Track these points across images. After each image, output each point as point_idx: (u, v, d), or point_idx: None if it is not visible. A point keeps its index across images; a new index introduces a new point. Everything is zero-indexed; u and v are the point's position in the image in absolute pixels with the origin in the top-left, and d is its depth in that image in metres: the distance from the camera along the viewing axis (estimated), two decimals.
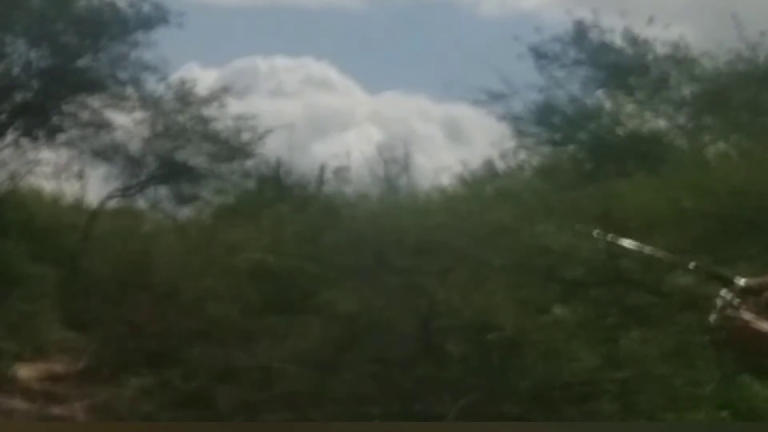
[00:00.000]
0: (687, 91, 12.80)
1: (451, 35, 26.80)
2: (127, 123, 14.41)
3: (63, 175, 14.61)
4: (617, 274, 6.32)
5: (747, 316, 3.06)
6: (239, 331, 8.05)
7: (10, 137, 13.87)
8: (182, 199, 15.08)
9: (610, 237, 3.94)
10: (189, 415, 7.04)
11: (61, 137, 14.24)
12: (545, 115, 13.36)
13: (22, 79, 13.79)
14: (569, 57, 13.36)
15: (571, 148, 13.12)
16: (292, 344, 7.34)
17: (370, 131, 21.64)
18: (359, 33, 28.35)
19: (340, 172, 13.48)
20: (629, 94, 12.86)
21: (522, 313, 6.04)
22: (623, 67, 12.99)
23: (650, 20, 12.74)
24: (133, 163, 14.63)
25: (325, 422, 6.05)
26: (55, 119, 14.09)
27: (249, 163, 15.08)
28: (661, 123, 12.75)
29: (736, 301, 3.07)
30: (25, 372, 8.93)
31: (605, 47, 13.23)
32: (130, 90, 14.21)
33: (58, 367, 9.36)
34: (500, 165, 13.17)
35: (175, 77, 14.65)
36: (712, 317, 2.92)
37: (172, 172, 14.70)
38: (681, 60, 12.83)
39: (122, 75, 14.13)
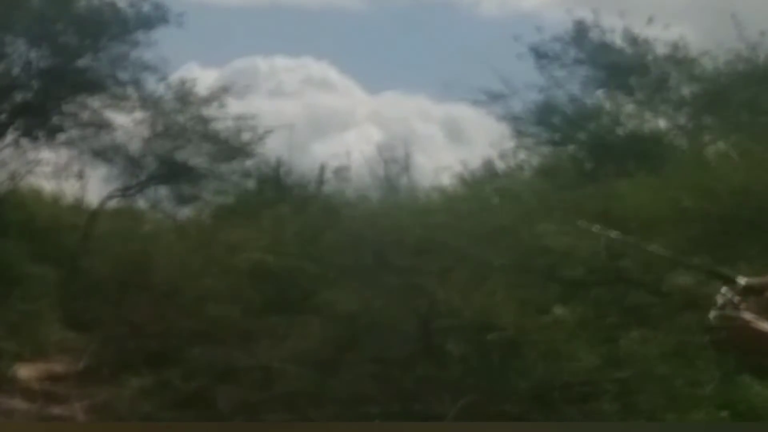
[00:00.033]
0: (687, 91, 12.81)
1: (451, 35, 26.79)
2: (127, 123, 14.41)
3: (63, 175, 14.62)
4: (617, 274, 6.32)
5: (748, 315, 3.06)
6: (239, 331, 8.05)
7: (10, 137, 13.88)
8: (182, 199, 15.08)
9: (613, 234, 3.94)
10: (189, 415, 7.04)
11: (61, 137, 14.24)
12: (545, 115, 13.37)
13: (22, 79, 13.79)
14: (569, 57, 13.37)
15: (571, 148, 13.12)
16: (292, 344, 7.34)
17: (370, 131, 21.65)
18: (359, 33, 28.38)
19: (340, 172, 13.48)
20: (629, 94, 12.87)
21: (522, 313, 6.04)
22: (623, 67, 12.99)
23: (650, 20, 12.75)
24: (133, 163, 14.63)
25: (325, 422, 6.05)
26: (55, 119, 14.09)
27: (249, 163, 15.09)
28: (661, 123, 12.75)
29: (737, 300, 3.07)
30: (25, 372, 8.92)
31: (605, 47, 13.23)
32: (130, 90, 14.22)
33: (58, 367, 9.36)
34: (500, 165, 13.18)
35: (175, 77, 14.67)
36: (712, 315, 2.92)
37: (172, 172, 14.70)
38: (681, 60, 12.84)
39: (122, 75, 14.14)
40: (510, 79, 13.00)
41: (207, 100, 14.58)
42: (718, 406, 4.91)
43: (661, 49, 12.93)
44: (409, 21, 28.39)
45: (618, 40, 13.16)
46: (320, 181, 14.58)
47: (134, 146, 14.57)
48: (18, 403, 8.04)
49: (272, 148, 15.05)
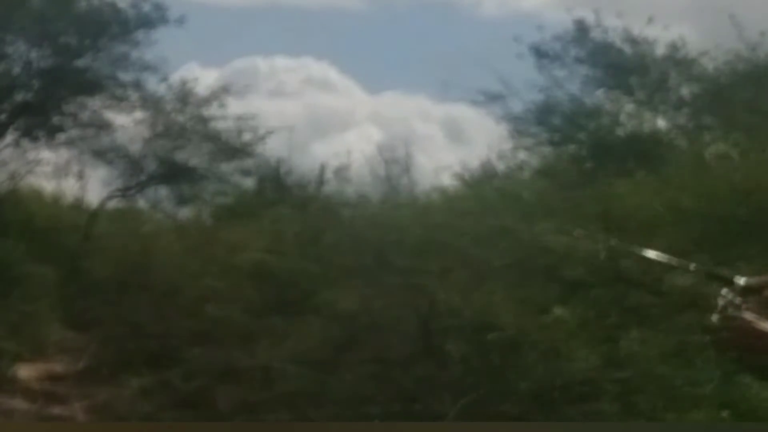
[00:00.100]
0: (687, 91, 12.83)
1: (451, 35, 26.80)
2: (127, 123, 14.44)
3: (63, 175, 14.63)
4: (617, 274, 6.32)
5: (749, 316, 3.08)
6: (239, 331, 8.04)
7: (10, 137, 13.89)
8: (182, 199, 15.10)
9: (612, 242, 3.95)
10: (189, 415, 7.03)
11: (61, 137, 14.26)
12: (545, 115, 13.39)
13: (23, 79, 13.80)
14: (569, 56, 13.38)
15: (571, 148, 13.14)
16: (292, 344, 7.33)
17: (371, 131, 21.66)
18: (359, 33, 28.37)
19: (340, 172, 13.49)
20: (629, 94, 12.88)
21: (522, 313, 6.03)
22: (623, 67, 13.00)
23: (650, 20, 12.76)
24: (133, 163, 14.65)
25: (325, 422, 6.05)
26: (55, 119, 14.10)
27: (249, 163, 15.11)
28: (661, 123, 12.77)
29: (738, 301, 3.09)
30: (25, 372, 8.92)
31: (605, 47, 13.24)
32: (130, 90, 14.23)
33: (58, 367, 9.36)
34: (500, 165, 13.20)
35: (175, 77, 14.69)
36: (714, 317, 2.94)
37: (172, 172, 14.72)
38: (681, 60, 12.86)
39: (122, 75, 14.16)
40: (510, 79, 13.04)
41: (207, 100, 14.60)
42: (718, 406, 4.91)
43: (661, 49, 12.95)
44: (409, 21, 28.41)
45: (618, 40, 13.17)
46: (320, 181, 14.59)
47: (134, 146, 14.60)
48: (18, 403, 8.03)
49: (272, 148, 15.09)
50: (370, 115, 25.99)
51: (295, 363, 6.99)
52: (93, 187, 15.00)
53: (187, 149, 14.75)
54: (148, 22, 13.89)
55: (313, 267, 8.43)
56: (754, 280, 3.31)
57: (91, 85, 13.95)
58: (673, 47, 12.87)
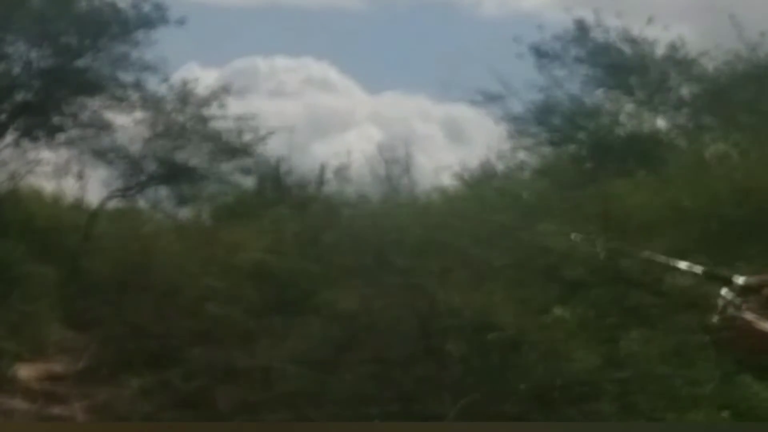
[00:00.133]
0: (687, 91, 12.82)
1: (451, 35, 26.81)
2: (127, 123, 14.44)
3: (63, 175, 14.63)
4: (617, 274, 6.32)
5: (749, 315, 3.07)
6: (239, 331, 8.04)
7: (10, 137, 13.89)
8: (182, 199, 15.10)
9: (611, 244, 3.94)
10: (189, 415, 7.03)
11: (61, 137, 14.25)
12: (545, 114, 13.39)
13: (23, 79, 13.80)
14: (569, 56, 13.38)
15: (571, 147, 13.14)
16: (292, 344, 7.33)
17: (371, 131, 21.67)
18: (359, 33, 28.35)
19: (341, 172, 13.49)
20: (629, 94, 12.88)
21: (522, 313, 6.03)
22: (623, 67, 13.01)
23: (650, 20, 12.76)
24: (133, 163, 14.64)
25: (325, 422, 6.05)
26: (55, 119, 14.10)
27: (249, 164, 15.10)
28: (661, 123, 12.77)
29: (738, 301, 3.09)
30: (25, 372, 8.92)
31: (605, 47, 13.24)
32: (130, 90, 14.23)
33: (58, 367, 9.36)
34: (500, 165, 13.20)
35: (176, 78, 14.69)
36: (714, 318, 2.94)
37: (172, 172, 14.72)
38: (680, 60, 12.86)
39: (122, 75, 14.16)
40: (510, 79, 13.04)
41: (207, 100, 14.60)
42: (718, 406, 4.91)
43: (660, 49, 12.95)
44: (409, 21, 28.42)
45: (618, 40, 13.17)
46: (320, 181, 14.59)
47: (134, 146, 14.60)
48: (18, 403, 8.03)
49: (272, 148, 15.08)
50: (370, 115, 26.01)
51: (295, 363, 6.99)
52: (93, 187, 15.02)
53: (187, 149, 14.75)
54: (148, 23, 13.90)
55: (313, 267, 8.43)
56: (754, 280, 3.31)
57: (91, 86, 13.95)
58: (673, 47, 12.87)
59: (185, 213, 15.20)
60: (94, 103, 14.17)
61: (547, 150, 13.49)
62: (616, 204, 7.65)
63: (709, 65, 12.55)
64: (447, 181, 12.33)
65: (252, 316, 8.21)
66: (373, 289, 7.18)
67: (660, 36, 12.92)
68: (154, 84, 14.38)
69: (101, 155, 14.50)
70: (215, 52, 28.47)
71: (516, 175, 12.73)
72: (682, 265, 4.68)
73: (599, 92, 13.36)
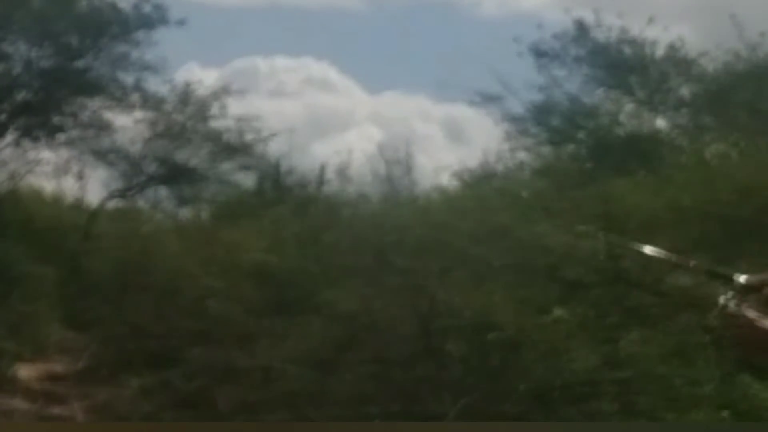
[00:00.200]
0: (687, 91, 12.83)
1: (451, 35, 26.84)
2: (127, 123, 14.44)
3: (63, 175, 14.63)
4: (617, 274, 6.32)
5: (751, 314, 3.08)
6: (239, 331, 8.04)
7: (10, 137, 13.88)
8: (182, 200, 15.10)
9: (613, 239, 3.94)
10: (189, 415, 7.03)
11: (62, 137, 14.25)
12: (545, 114, 13.39)
13: (23, 79, 13.80)
14: (569, 56, 13.39)
15: (570, 147, 13.15)
16: (292, 344, 7.33)
17: (371, 131, 21.70)
18: (359, 33, 28.39)
19: (341, 173, 13.49)
20: (629, 94, 12.88)
21: (522, 313, 6.03)
22: (623, 67, 13.02)
23: (650, 20, 12.77)
24: (133, 163, 14.64)
25: (325, 422, 6.05)
26: (55, 119, 14.10)
27: (249, 164, 15.10)
28: (661, 123, 12.78)
29: (738, 299, 3.10)
30: (25, 372, 8.92)
31: (605, 47, 13.25)
32: (130, 90, 14.23)
33: (58, 367, 9.36)
34: (500, 165, 13.20)
35: (179, 80, 14.71)
36: (715, 313, 2.94)
37: (172, 172, 14.72)
38: (680, 60, 12.86)
39: (123, 75, 14.16)
40: (510, 78, 13.04)
41: (208, 101, 14.60)
42: (718, 406, 4.91)
43: (660, 50, 12.95)
44: (409, 21, 28.44)
45: (618, 40, 13.17)
46: (320, 181, 14.59)
47: (134, 147, 14.60)
48: (18, 403, 8.03)
49: (273, 148, 15.09)
50: (370, 115, 26.05)
51: (295, 363, 6.99)
52: (93, 187, 15.02)
53: (187, 149, 14.76)
54: (148, 23, 13.90)
55: (313, 267, 8.44)
56: (755, 278, 3.31)
57: (91, 86, 13.95)
58: (673, 47, 12.88)
59: (185, 213, 15.22)
60: (94, 103, 14.18)
61: (546, 150, 13.50)
62: (616, 204, 7.65)
63: (709, 65, 12.57)
64: (447, 181, 12.35)
65: (252, 316, 8.22)
66: (373, 289, 7.18)
67: (660, 36, 12.93)
68: (154, 84, 14.40)
69: (101, 155, 14.50)
70: (215, 52, 28.52)
71: (516, 175, 12.73)
72: (678, 260, 4.69)
73: (599, 92, 13.37)
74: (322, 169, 14.54)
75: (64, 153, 14.41)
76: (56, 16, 13.34)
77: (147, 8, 13.89)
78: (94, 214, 14.38)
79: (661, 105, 12.77)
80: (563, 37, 13.36)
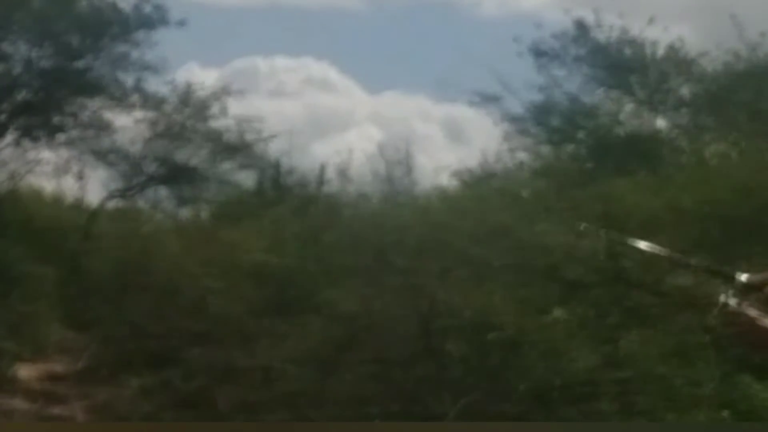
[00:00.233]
0: (687, 91, 12.83)
1: (451, 35, 26.84)
2: (127, 123, 14.44)
3: (63, 175, 14.63)
4: (617, 274, 6.31)
5: (752, 312, 3.08)
6: (239, 331, 8.05)
7: (10, 137, 13.89)
8: (182, 199, 15.11)
9: (614, 236, 3.94)
10: (189, 415, 7.04)
11: (62, 137, 14.25)
12: (545, 114, 13.39)
13: (23, 79, 13.80)
14: (569, 55, 13.39)
15: (570, 147, 13.14)
16: (292, 344, 7.33)
17: (371, 131, 21.70)
18: (359, 33, 28.41)
19: (341, 172, 13.48)
20: (629, 94, 12.88)
21: (522, 313, 6.03)
22: (623, 67, 13.01)
23: (651, 20, 12.77)
24: (133, 163, 14.65)
25: (325, 422, 6.05)
26: (55, 119, 14.10)
27: (249, 164, 15.11)
28: (661, 123, 12.77)
29: (739, 297, 3.10)
30: (25, 372, 8.93)
31: (605, 47, 13.24)
32: (131, 90, 14.23)
33: (58, 367, 9.36)
34: (500, 165, 13.19)
35: (178, 79, 14.72)
36: (715, 311, 2.94)
37: (172, 172, 14.73)
38: (681, 60, 12.86)
39: (123, 75, 14.16)
40: (510, 78, 13.04)
41: (208, 101, 14.60)
42: (718, 406, 4.90)
43: (660, 49, 12.95)
44: (409, 21, 28.46)
45: (618, 40, 13.17)
46: (320, 181, 14.59)
47: (134, 147, 14.61)
48: (18, 403, 8.04)
49: (273, 148, 15.09)
50: (370, 115, 26.06)
51: (295, 363, 6.99)
52: (93, 187, 15.03)
53: (187, 149, 14.77)
54: (148, 23, 13.90)
55: (313, 267, 8.43)
56: (756, 277, 3.31)
57: (91, 86, 13.96)
58: (673, 47, 12.87)
59: (185, 213, 15.22)
60: (94, 104, 14.18)
61: (546, 150, 13.49)
62: (616, 204, 7.65)
63: (709, 65, 12.56)
64: (447, 181, 12.35)
65: (252, 316, 8.22)
66: (373, 289, 7.17)
67: (660, 36, 12.93)
68: (154, 84, 14.41)
69: (101, 155, 14.51)
70: (215, 52, 28.54)
71: (516, 175, 12.72)
72: (678, 258, 4.68)
73: (599, 92, 13.37)
74: (322, 169, 14.55)
75: (64, 153, 14.43)
76: (56, 16, 13.34)
77: (147, 9, 13.90)
78: (94, 214, 14.39)
79: (661, 105, 12.77)
80: (563, 36, 13.37)
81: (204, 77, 15.69)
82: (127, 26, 13.86)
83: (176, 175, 14.76)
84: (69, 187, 14.90)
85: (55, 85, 13.80)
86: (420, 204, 10.93)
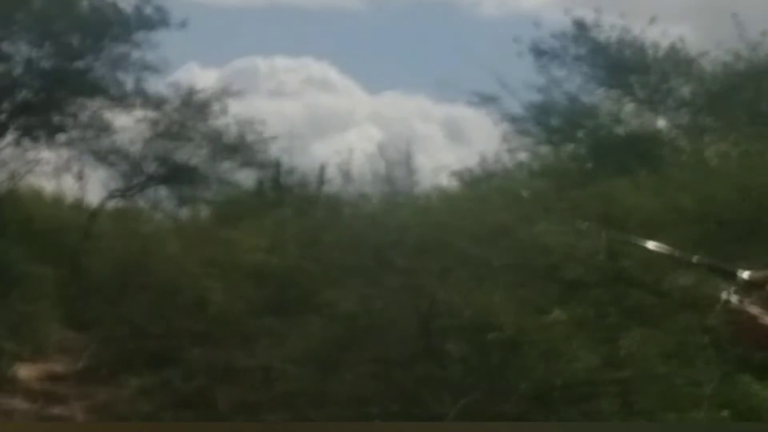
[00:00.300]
0: (687, 91, 12.81)
1: (451, 35, 26.85)
2: (128, 123, 14.44)
3: (63, 175, 14.63)
4: (617, 274, 6.32)
5: (754, 310, 3.08)
6: (239, 331, 8.05)
7: (10, 137, 13.89)
8: (182, 199, 15.11)
9: (616, 235, 3.94)
10: (189, 415, 7.04)
11: (62, 137, 14.25)
12: (545, 114, 13.38)
13: (24, 79, 13.80)
14: (569, 55, 13.37)
15: (570, 147, 13.13)
16: (292, 344, 7.34)
17: (371, 131, 21.70)
18: (359, 33, 28.41)
19: (341, 173, 13.48)
20: (629, 94, 12.87)
21: (522, 313, 6.03)
22: (623, 67, 13.00)
23: (652, 20, 12.76)
24: (133, 163, 14.65)
25: (325, 422, 6.05)
26: (55, 119, 14.10)
27: (250, 164, 15.11)
28: (661, 123, 12.76)
29: (741, 294, 3.10)
30: (25, 372, 8.93)
31: (605, 47, 13.23)
32: (131, 90, 14.23)
33: (58, 367, 9.37)
34: (500, 165, 13.19)
35: (177, 78, 14.72)
36: (717, 310, 2.94)
37: (172, 172, 14.73)
38: (681, 60, 12.84)
39: (123, 76, 14.16)
40: (510, 78, 13.02)
41: (208, 101, 14.61)
42: (718, 406, 4.90)
43: (661, 49, 12.93)
44: (409, 21, 28.47)
45: (618, 40, 13.16)
46: (321, 181, 14.59)
47: (134, 147, 14.61)
48: (18, 403, 8.04)
49: (273, 148, 15.09)
50: (370, 115, 26.07)
51: (295, 363, 6.99)
52: (93, 187, 15.03)
53: (187, 149, 14.77)
54: (149, 24, 13.90)
55: (313, 267, 8.43)
56: (758, 275, 3.31)
57: (92, 85, 13.96)
58: (673, 47, 12.86)
59: (185, 213, 15.22)
60: (94, 104, 14.18)
61: (546, 150, 13.48)
62: (616, 204, 7.65)
63: (710, 65, 12.55)
64: (447, 181, 12.34)
65: (252, 316, 8.22)
66: (373, 289, 7.18)
67: (660, 36, 12.92)
68: (154, 84, 14.41)
69: (101, 156, 14.51)
70: (215, 53, 28.55)
71: (516, 175, 12.72)
72: (680, 255, 4.68)
73: (599, 92, 13.35)
74: (322, 169, 14.55)
75: (64, 153, 14.43)
76: (57, 16, 13.34)
77: (148, 10, 13.90)
78: (94, 214, 14.39)
79: (661, 105, 12.76)
80: (563, 36, 13.35)
81: (204, 77, 15.71)
82: (128, 27, 13.86)
83: (176, 175, 14.76)
84: (69, 187, 14.92)
85: (56, 85, 13.80)
86: (420, 204, 10.94)
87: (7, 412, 7.76)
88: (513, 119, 13.49)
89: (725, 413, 4.86)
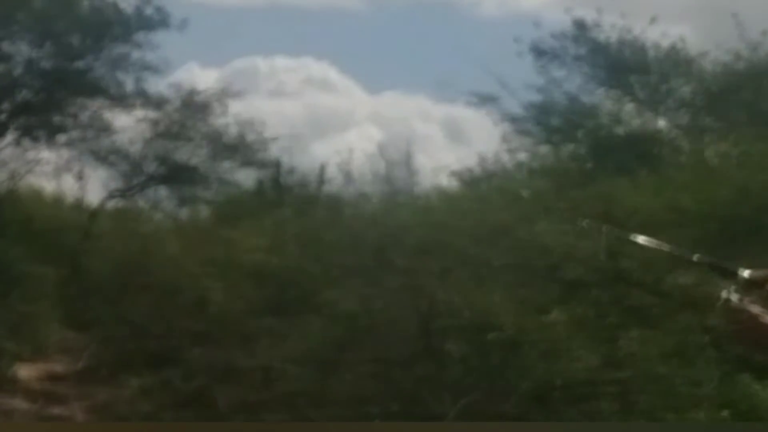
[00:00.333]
0: (687, 91, 12.82)
1: (451, 35, 26.86)
2: (128, 123, 14.44)
3: (63, 175, 14.63)
4: (617, 274, 6.32)
5: (754, 309, 3.08)
6: (239, 331, 8.05)
7: (10, 137, 13.88)
8: (182, 200, 15.11)
9: (619, 233, 3.93)
10: (189, 415, 7.04)
11: (62, 137, 14.25)
12: (545, 114, 13.39)
13: (24, 79, 13.80)
14: (569, 55, 13.38)
15: (570, 147, 13.14)
16: (292, 344, 7.33)
17: (371, 131, 21.71)
18: (359, 33, 28.42)
19: (341, 172, 13.48)
20: (629, 94, 12.88)
21: (522, 313, 6.03)
22: (623, 67, 13.01)
23: (653, 20, 12.77)
24: (133, 163, 14.65)
25: (325, 422, 6.05)
26: (55, 119, 14.10)
27: (250, 164, 15.11)
28: (661, 123, 12.77)
29: (741, 293, 3.10)
30: (25, 372, 8.93)
31: (605, 47, 13.24)
32: (131, 91, 14.23)
33: (58, 367, 9.36)
34: (500, 165, 13.20)
35: (177, 81, 14.72)
36: (717, 308, 2.94)
37: (172, 172, 14.72)
38: (681, 60, 12.85)
39: (123, 76, 14.15)
40: (510, 78, 13.04)
41: (208, 101, 14.61)
42: (718, 406, 4.91)
43: (661, 49, 12.94)
44: (409, 21, 28.48)
45: (618, 40, 13.17)
46: (321, 181, 14.59)
47: (135, 147, 14.60)
48: (18, 403, 8.04)
49: (273, 148, 15.09)
50: (370, 115, 26.08)
51: (295, 363, 6.99)
52: (93, 187, 15.02)
53: (187, 149, 14.76)
54: (149, 25, 13.90)
55: (313, 267, 8.43)
56: (759, 273, 3.31)
57: (92, 86, 13.95)
58: (673, 47, 12.87)
59: (185, 213, 15.21)
60: (94, 104, 14.17)
61: (546, 150, 13.49)
62: (616, 204, 7.66)
63: (710, 65, 12.56)
64: (447, 181, 12.35)
65: (252, 316, 8.21)
66: (373, 289, 7.18)
67: (660, 36, 12.93)
68: (154, 84, 14.41)
69: (101, 156, 14.50)
70: (215, 53, 28.56)
71: (515, 175, 12.73)
72: (680, 253, 4.68)
73: (599, 92, 13.36)
74: (322, 169, 14.56)
75: (64, 153, 14.41)
76: (57, 16, 13.33)
77: (148, 10, 13.90)
78: (94, 214, 14.38)
79: (661, 105, 12.76)
80: (563, 36, 13.36)
81: (204, 77, 15.70)
82: (128, 27, 13.86)
83: (176, 175, 14.75)
84: (69, 187, 14.91)
85: (56, 85, 13.79)
86: (420, 204, 10.94)
87: (7, 412, 7.75)
88: (513, 119, 13.51)
89: (725, 413, 4.87)
